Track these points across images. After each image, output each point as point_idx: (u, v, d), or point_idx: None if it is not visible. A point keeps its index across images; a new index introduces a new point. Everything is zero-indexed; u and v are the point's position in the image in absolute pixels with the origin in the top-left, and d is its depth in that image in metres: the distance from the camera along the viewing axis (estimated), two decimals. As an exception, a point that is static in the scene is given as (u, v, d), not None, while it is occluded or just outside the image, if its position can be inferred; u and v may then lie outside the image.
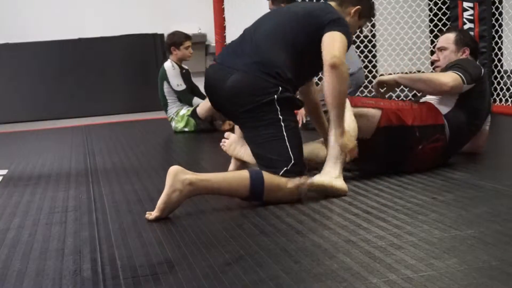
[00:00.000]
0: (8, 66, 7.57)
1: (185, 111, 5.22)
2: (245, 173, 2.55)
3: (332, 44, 2.66)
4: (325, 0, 3.05)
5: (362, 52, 6.37)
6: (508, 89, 5.01)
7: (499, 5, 5.16)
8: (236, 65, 2.70)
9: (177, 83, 5.20)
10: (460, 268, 1.71)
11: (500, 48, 5.16)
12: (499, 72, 5.14)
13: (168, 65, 5.30)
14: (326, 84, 2.62)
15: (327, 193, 2.61)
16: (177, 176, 2.41)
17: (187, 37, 5.37)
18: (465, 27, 5.14)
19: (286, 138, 2.60)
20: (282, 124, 2.61)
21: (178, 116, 5.20)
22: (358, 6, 2.92)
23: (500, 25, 5.15)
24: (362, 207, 2.42)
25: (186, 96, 5.21)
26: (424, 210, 2.32)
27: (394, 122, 2.96)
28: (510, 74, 5.12)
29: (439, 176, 2.86)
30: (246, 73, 2.66)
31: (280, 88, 2.62)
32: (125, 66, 7.84)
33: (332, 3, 2.89)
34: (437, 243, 1.94)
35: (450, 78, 2.99)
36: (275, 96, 2.59)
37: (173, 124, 5.23)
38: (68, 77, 7.68)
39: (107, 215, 2.56)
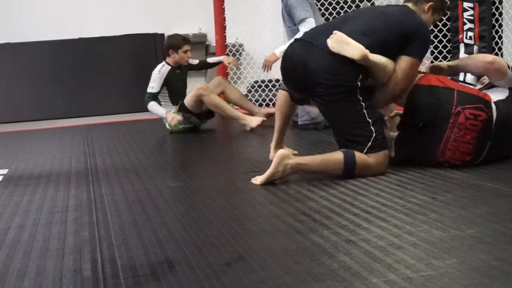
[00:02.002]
0: (8, 65, 7.55)
1: (174, 109, 5.20)
2: (339, 156, 2.93)
3: (403, 74, 2.97)
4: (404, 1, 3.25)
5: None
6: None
7: (499, 6, 5.16)
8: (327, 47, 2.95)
9: (152, 85, 5.16)
10: (460, 268, 1.72)
11: (500, 49, 5.16)
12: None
13: (157, 67, 5.25)
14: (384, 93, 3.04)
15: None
16: (282, 160, 2.88)
17: (185, 40, 5.30)
18: (465, 27, 5.15)
19: (366, 115, 2.91)
20: (363, 104, 2.92)
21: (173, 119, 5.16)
22: (431, 3, 3.17)
23: (500, 26, 5.15)
24: (362, 207, 2.42)
25: (150, 99, 5.13)
26: (424, 210, 2.32)
27: (433, 83, 3.06)
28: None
29: (439, 176, 2.86)
30: (337, 56, 2.91)
31: (361, 76, 2.91)
32: (126, 66, 7.83)
33: (409, 4, 3.14)
34: (437, 243, 1.94)
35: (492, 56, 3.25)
36: (358, 82, 2.89)
37: (166, 124, 5.23)
38: (68, 77, 7.66)
39: (107, 214, 2.56)
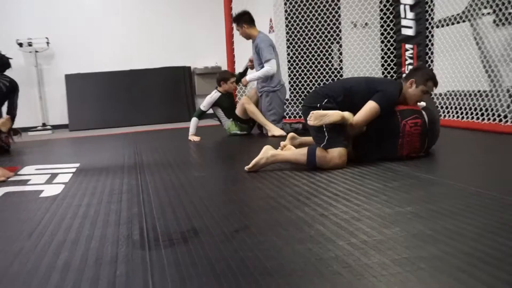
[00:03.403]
0: (80, 89, 7.60)
1: (230, 121, 5.12)
2: (305, 150, 2.99)
3: (364, 111, 3.00)
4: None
5: (332, 79, 6.39)
6: (441, 107, 5.02)
7: (431, 47, 5.18)
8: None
9: (203, 105, 5.05)
10: (402, 235, 1.73)
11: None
12: (434, 95, 5.16)
13: (211, 93, 5.11)
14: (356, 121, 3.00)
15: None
16: (266, 151, 3.03)
17: (232, 75, 5.21)
18: (407, 62, 5.16)
19: (324, 126, 2.94)
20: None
21: (230, 126, 5.12)
22: (412, 79, 3.12)
23: (432, 61, 5.17)
24: (333, 191, 2.42)
25: (197, 113, 4.99)
26: (377, 193, 2.33)
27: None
28: (439, 97, 5.12)
29: (389, 169, 2.87)
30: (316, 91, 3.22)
31: (325, 100, 3.09)
32: (163, 89, 7.86)
33: (403, 82, 3.18)
34: (386, 217, 1.95)
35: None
36: (318, 105, 3.06)
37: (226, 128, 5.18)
38: (122, 97, 7.70)
39: (150, 196, 2.57)
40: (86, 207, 2.40)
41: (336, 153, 2.95)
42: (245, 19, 4.98)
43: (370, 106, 3.00)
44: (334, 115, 2.92)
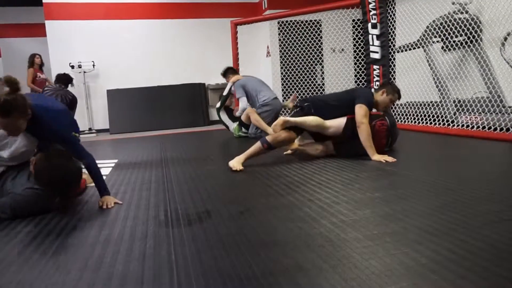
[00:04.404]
0: (117, 101, 7.57)
1: (235, 124, 5.07)
2: (259, 142, 2.93)
3: (359, 112, 2.91)
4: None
5: (316, 92, 6.37)
6: (402, 114, 5.01)
7: (393, 67, 5.17)
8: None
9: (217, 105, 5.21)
10: (371, 215, 1.71)
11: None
12: (395, 106, 5.15)
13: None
14: (360, 133, 2.91)
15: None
16: (232, 162, 2.89)
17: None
18: (374, 79, 5.14)
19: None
20: None
21: (236, 128, 5.06)
22: (383, 89, 3.13)
23: (394, 78, 5.16)
24: (317, 181, 2.41)
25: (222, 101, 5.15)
26: (352, 182, 2.32)
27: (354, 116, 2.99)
28: (401, 106, 5.10)
29: (361, 163, 2.85)
30: None
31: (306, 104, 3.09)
32: (183, 101, 7.85)
33: (372, 90, 3.19)
34: (359, 201, 1.94)
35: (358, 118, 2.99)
36: None
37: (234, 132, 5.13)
38: (151, 107, 7.68)
39: (173, 185, 2.56)
40: (122, 194, 2.39)
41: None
42: (229, 72, 5.19)
43: (359, 107, 2.94)
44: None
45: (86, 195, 2.41)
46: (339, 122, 3.05)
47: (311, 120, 3.02)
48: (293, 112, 3.24)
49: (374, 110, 3.15)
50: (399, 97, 3.20)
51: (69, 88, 4.96)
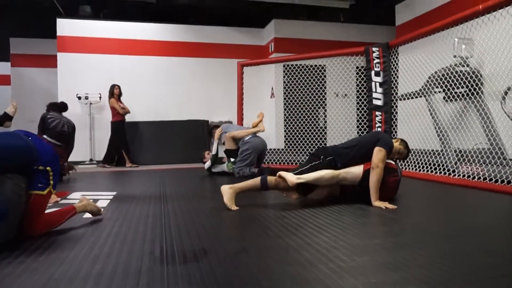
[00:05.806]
0: (130, 132, 7.65)
1: (229, 163, 5.07)
2: (259, 179, 2.92)
3: (377, 156, 2.92)
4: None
5: (318, 135, 6.43)
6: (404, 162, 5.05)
7: (395, 114, 5.26)
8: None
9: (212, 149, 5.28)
10: (370, 263, 1.69)
11: (394, 135, 5.23)
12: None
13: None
14: (371, 175, 2.89)
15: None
16: (226, 190, 2.86)
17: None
18: (377, 125, 5.22)
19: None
20: None
21: (229, 166, 5.04)
22: (399, 139, 3.31)
23: (396, 125, 5.24)
24: (316, 224, 2.39)
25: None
26: (351, 227, 2.29)
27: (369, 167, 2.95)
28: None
29: (360, 208, 2.83)
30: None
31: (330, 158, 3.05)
32: (187, 136, 7.91)
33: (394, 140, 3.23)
34: (357, 247, 1.91)
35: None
36: None
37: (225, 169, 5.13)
38: (153, 141, 7.73)
39: (170, 220, 2.53)
40: (119, 227, 2.36)
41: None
42: (213, 129, 5.64)
43: (379, 150, 2.92)
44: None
45: (82, 227, 2.38)
46: (354, 174, 2.95)
47: (326, 174, 2.89)
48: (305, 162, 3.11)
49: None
50: (406, 155, 3.29)
51: (65, 114, 5.19)
